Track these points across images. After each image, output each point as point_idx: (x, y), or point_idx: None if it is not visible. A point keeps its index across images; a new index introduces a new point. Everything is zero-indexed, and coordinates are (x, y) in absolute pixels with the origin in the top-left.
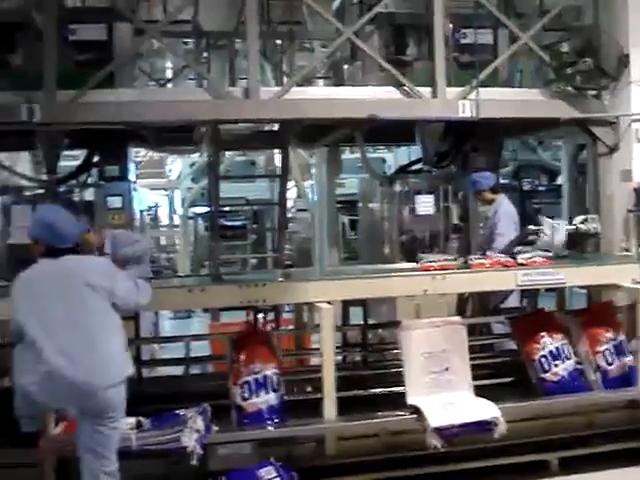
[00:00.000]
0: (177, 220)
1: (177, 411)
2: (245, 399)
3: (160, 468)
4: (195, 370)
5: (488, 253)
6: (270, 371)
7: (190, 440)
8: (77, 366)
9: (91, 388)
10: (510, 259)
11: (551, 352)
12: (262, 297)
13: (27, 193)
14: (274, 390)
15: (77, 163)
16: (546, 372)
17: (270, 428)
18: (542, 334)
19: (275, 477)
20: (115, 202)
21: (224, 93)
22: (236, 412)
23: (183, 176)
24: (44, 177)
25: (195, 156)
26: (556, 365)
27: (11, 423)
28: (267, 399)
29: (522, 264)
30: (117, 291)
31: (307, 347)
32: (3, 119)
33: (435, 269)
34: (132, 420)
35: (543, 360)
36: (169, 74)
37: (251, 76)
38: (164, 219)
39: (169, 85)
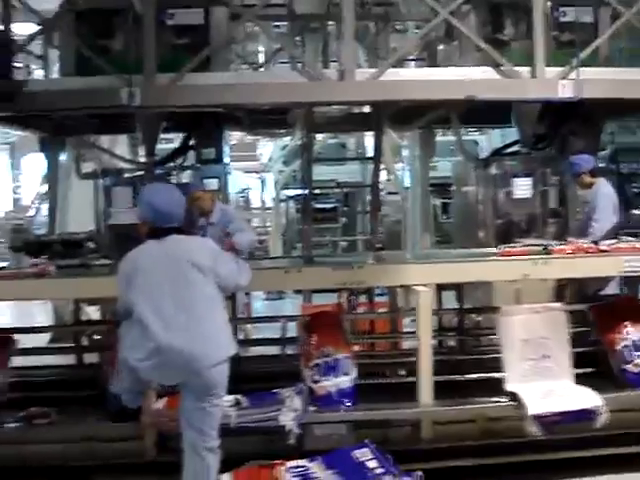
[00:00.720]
0: (268, 203)
1: (274, 390)
2: (315, 381)
3: (258, 446)
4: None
5: (570, 239)
6: (341, 354)
7: (288, 419)
8: (184, 344)
9: (197, 365)
10: (592, 245)
11: (634, 342)
12: (358, 279)
13: (127, 175)
14: (345, 374)
15: (172, 146)
16: (628, 363)
17: (366, 411)
18: (625, 323)
19: (371, 459)
20: (211, 184)
21: (319, 75)
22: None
23: (275, 159)
24: (142, 159)
25: (287, 139)
26: (639, 356)
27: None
28: (337, 382)
29: (604, 250)
30: (220, 271)
31: (400, 330)
32: (105, 103)
33: (513, 255)
34: (231, 398)
35: (625, 350)
36: (261, 58)
37: (346, 58)
38: (255, 202)
39: (262, 69)
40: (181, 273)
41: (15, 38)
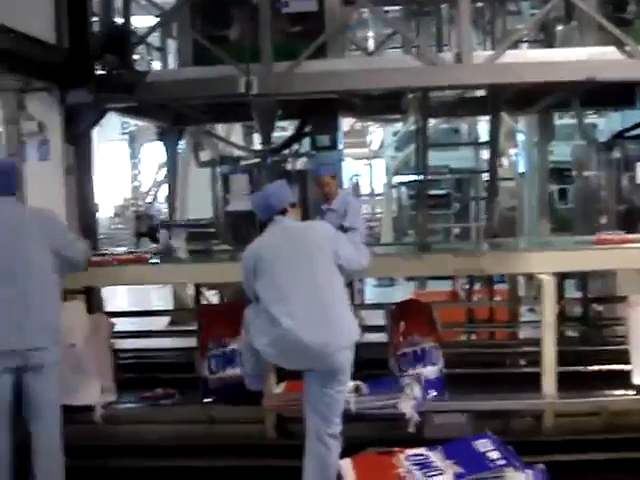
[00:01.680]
0: (378, 189)
1: (393, 377)
2: (402, 370)
3: (376, 432)
4: None
5: None
6: (428, 344)
7: (407, 406)
8: (312, 329)
9: (325, 350)
10: None
11: None
12: (480, 266)
13: (243, 163)
14: (432, 364)
15: (285, 134)
16: None
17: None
18: None
19: (492, 450)
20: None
21: (435, 59)
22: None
23: (386, 145)
24: (258, 147)
25: (398, 125)
26: None
27: None
28: (424, 372)
29: None
30: (341, 252)
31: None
32: (223, 92)
33: (608, 242)
34: (351, 384)
35: None
36: (370, 44)
37: (463, 40)
38: (364, 188)
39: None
40: (305, 257)
41: (135, 30)
